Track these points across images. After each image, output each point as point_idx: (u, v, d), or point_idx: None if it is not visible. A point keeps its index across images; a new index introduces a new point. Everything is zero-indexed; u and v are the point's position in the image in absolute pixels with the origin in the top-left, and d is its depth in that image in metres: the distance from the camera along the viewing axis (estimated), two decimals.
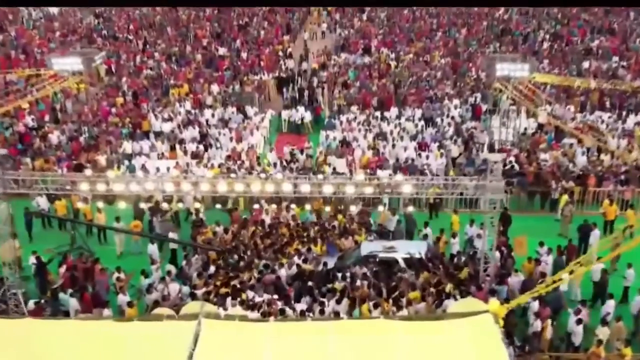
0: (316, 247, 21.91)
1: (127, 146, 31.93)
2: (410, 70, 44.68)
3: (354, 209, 23.58)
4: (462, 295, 18.76)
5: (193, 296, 19.00)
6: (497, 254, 20.81)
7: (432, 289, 18.95)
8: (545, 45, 50.66)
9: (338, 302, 18.07)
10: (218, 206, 25.51)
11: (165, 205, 24.06)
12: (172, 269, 21.02)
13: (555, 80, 38.96)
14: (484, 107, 37.12)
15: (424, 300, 18.59)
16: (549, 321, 17.74)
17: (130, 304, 18.82)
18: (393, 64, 46.20)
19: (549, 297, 18.24)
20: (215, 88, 41.09)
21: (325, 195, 19.37)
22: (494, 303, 14.05)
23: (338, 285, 19.28)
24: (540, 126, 35.16)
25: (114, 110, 37.79)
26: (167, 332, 13.11)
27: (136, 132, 34.24)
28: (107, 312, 18.91)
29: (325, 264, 20.59)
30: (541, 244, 22.08)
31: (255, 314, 16.68)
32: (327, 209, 23.21)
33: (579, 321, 17.81)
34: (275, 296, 18.62)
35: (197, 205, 24.64)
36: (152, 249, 22.57)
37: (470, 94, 39.70)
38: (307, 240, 22.24)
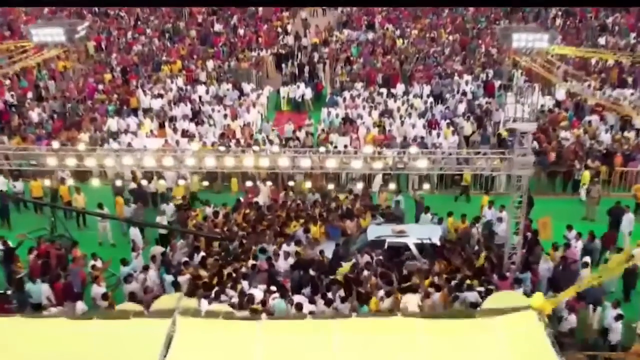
0: (315, 227, 19.58)
1: (112, 124, 29.52)
2: (416, 47, 42.13)
3: (360, 187, 21.04)
4: (482, 285, 16.51)
5: (177, 287, 16.73)
6: (517, 238, 18.51)
7: (446, 278, 16.72)
8: (558, 21, 48.03)
9: (344, 300, 15.80)
10: (205, 183, 23.13)
11: (146, 184, 21.52)
12: (158, 253, 18.66)
13: (576, 52, 36.43)
14: (497, 84, 34.60)
15: (438, 291, 16.30)
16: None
17: (104, 297, 16.50)
18: (398, 40, 43.62)
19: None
20: (210, 64, 38.60)
21: (328, 171, 16.95)
22: (537, 297, 11.57)
23: (342, 270, 16.97)
24: (559, 103, 32.78)
25: (101, 87, 35.34)
26: (133, 334, 10.56)
27: (123, 109, 31.77)
28: (81, 305, 16.51)
29: (321, 252, 18.26)
30: (569, 228, 19.74)
31: (243, 312, 14.39)
32: (331, 186, 20.47)
33: (618, 317, 15.51)
34: (273, 287, 16.32)
35: (182, 182, 22.19)
36: (135, 232, 20.26)
37: (481, 70, 37.20)
38: (306, 220, 19.94)
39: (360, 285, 16.35)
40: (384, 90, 34.11)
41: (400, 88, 34.72)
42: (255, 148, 25.00)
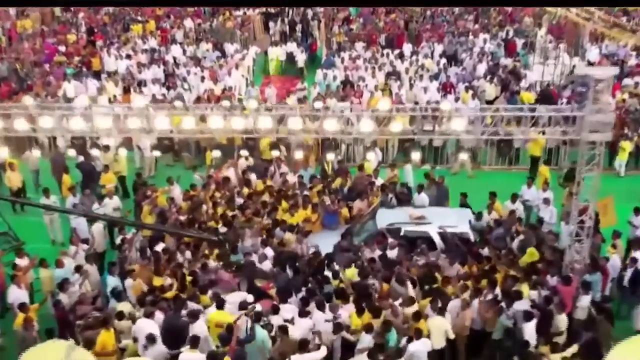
0: (304, 212, 15.10)
1: (69, 88, 24.81)
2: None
3: (372, 158, 16.22)
4: (534, 289, 12.15)
5: (119, 296, 12.30)
6: (565, 226, 14.18)
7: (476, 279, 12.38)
8: None
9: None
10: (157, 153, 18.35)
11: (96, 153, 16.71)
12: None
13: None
14: (519, 43, 30.03)
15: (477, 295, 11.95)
16: None
17: (22, 307, 11.99)
18: None
19: None
20: (188, 23, 33.82)
21: (328, 135, 12.37)
22: None
23: (348, 275, 12.59)
24: (591, 64, 28.20)
25: (63, 49, 30.58)
26: None
27: (82, 72, 27.07)
28: None
29: (316, 253, 13.65)
30: (636, 211, 15.28)
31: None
32: (330, 156, 15.33)
33: None
34: (249, 296, 11.83)
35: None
36: (77, 222, 15.54)
37: (499, 28, 32.56)
38: (295, 204, 15.36)
39: (369, 297, 11.94)
40: (388, 51, 29.48)
41: (407, 48, 30.09)
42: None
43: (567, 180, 17.02)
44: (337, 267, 12.86)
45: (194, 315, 10.95)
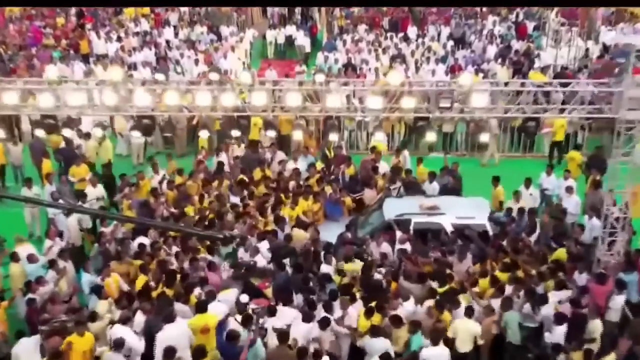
0: (305, 203, 13.63)
1: (54, 71, 23.32)
2: None
3: (381, 138, 14.53)
4: (560, 288, 10.78)
5: (99, 294, 10.91)
6: (588, 220, 12.79)
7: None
8: None
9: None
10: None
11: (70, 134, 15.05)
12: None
13: None
14: (530, 26, 28.55)
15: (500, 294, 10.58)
16: None
17: None
18: None
19: None
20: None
21: (331, 114, 10.90)
22: None
23: (349, 268, 11.21)
24: (606, 48, 26.76)
25: (50, 32, 29.17)
26: None
27: (69, 54, 25.63)
28: None
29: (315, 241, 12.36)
30: None
31: None
32: (333, 137, 13.67)
33: None
34: (244, 296, 10.43)
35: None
36: (55, 211, 14.04)
37: (508, 11, 31.07)
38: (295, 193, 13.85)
39: (382, 293, 10.53)
40: (392, 34, 28.04)
41: (412, 31, 28.64)
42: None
43: (592, 167, 15.57)
44: (334, 261, 11.50)
45: (169, 319, 9.54)
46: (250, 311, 9.97)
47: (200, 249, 12.14)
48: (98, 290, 11.04)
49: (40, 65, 24.28)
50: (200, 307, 9.84)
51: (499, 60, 23.92)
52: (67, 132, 14.01)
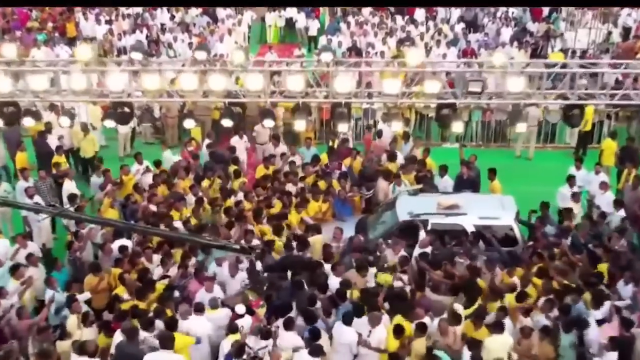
0: (316, 205, 12.11)
1: (38, 55, 21.72)
2: None
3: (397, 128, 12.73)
4: (597, 304, 9.28)
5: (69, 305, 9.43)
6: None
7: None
8: None
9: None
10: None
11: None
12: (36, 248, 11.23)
13: None
14: (545, 8, 26.96)
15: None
16: None
17: None
18: None
19: None
20: None
21: (339, 101, 9.25)
22: None
23: (383, 279, 9.75)
24: (627, 30, 25.23)
25: (36, 15, 27.58)
26: None
27: (55, 38, 24.05)
28: None
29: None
30: None
31: None
32: (344, 129, 11.71)
33: None
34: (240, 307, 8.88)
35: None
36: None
37: None
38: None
39: (406, 304, 9.06)
40: (398, 16, 26.47)
41: (419, 14, 27.03)
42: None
43: (625, 160, 14.01)
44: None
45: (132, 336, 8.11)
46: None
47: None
48: (69, 303, 9.57)
49: (23, 50, 22.71)
50: (169, 325, 8.39)
51: (515, 44, 22.32)
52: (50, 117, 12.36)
